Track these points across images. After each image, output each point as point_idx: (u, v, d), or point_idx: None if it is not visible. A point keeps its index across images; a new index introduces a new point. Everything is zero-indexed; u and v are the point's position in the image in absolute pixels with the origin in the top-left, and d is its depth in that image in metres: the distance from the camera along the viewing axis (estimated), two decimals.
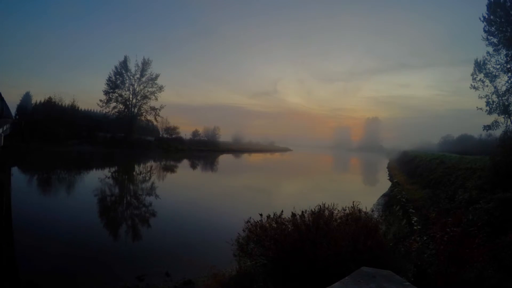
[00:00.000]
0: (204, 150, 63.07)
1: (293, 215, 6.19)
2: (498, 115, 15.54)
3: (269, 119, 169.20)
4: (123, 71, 54.09)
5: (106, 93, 53.43)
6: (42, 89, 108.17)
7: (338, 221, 5.88)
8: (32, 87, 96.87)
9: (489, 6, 15.12)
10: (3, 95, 22.25)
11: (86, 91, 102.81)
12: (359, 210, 6.15)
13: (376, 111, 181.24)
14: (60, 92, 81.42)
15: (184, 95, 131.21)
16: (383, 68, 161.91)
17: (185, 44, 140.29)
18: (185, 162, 45.00)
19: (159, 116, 56.87)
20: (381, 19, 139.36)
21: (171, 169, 37.31)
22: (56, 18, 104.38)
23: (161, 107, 55.96)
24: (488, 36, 15.33)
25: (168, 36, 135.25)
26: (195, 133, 70.24)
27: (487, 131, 17.29)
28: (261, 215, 6.30)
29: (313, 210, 6.11)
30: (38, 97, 52.46)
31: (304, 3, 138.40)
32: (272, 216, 6.23)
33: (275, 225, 5.96)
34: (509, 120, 15.15)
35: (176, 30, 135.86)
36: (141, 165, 38.52)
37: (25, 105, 49.83)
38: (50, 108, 48.39)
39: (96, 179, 24.09)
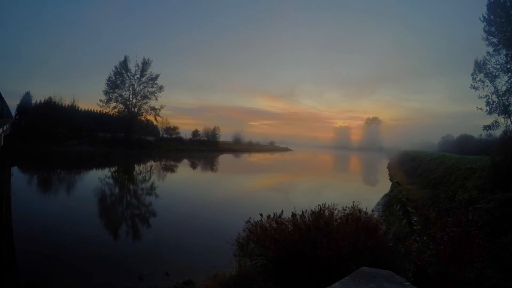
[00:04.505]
0: (204, 150, 63.11)
1: (293, 215, 6.19)
2: (498, 115, 15.53)
3: (278, 119, 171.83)
4: (123, 71, 54.06)
5: (106, 93, 53.49)
6: (42, 89, 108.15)
7: (338, 221, 5.88)
8: (32, 87, 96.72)
9: (489, 6, 15.10)
10: (3, 95, 22.32)
11: (86, 91, 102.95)
12: (359, 210, 6.15)
13: (384, 113, 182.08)
14: (60, 92, 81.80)
15: (202, 96, 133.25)
16: (397, 74, 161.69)
17: (208, 46, 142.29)
18: (185, 162, 45.02)
19: (159, 116, 56.97)
20: (401, 30, 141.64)
21: (171, 169, 37.32)
22: (57, 18, 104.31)
23: (161, 107, 56.06)
24: (488, 36, 15.31)
25: (191, 38, 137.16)
26: (195, 133, 70.27)
27: (487, 131, 17.29)
28: (261, 215, 6.30)
29: (313, 210, 6.12)
30: (38, 97, 52.48)
31: (327, 12, 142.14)
32: (272, 216, 6.24)
33: (275, 225, 5.96)
34: (509, 120, 15.14)
35: (198, 33, 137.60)
36: (141, 165, 38.52)
37: (25, 105, 49.76)
38: (50, 108, 48.30)
39: (96, 179, 24.08)
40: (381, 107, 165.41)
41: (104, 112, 55.02)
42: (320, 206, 6.21)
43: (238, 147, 79.83)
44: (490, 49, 15.49)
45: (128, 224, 13.43)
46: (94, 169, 31.47)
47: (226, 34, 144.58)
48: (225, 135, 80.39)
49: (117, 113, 54.63)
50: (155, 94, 55.30)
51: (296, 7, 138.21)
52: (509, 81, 15.25)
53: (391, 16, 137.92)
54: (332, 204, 6.25)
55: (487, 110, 15.75)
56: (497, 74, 15.49)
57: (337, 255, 4.79)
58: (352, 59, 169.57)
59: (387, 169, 42.40)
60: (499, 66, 15.37)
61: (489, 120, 16.09)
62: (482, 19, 15.41)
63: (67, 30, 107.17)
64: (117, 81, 53.96)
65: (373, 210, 12.53)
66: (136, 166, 36.88)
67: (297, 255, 5.07)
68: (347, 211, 6.14)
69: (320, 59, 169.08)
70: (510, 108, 15.09)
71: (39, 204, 15.09)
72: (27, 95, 52.00)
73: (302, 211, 6.12)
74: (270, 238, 5.65)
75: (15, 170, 23.93)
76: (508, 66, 14.97)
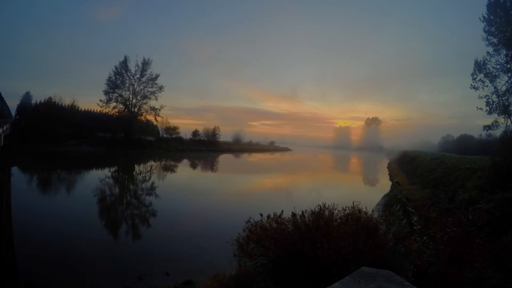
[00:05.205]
0: (204, 150, 63.12)
1: (293, 215, 6.20)
2: (498, 115, 15.53)
3: (278, 119, 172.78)
4: (123, 71, 54.01)
5: (106, 93, 53.42)
6: (42, 89, 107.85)
7: (338, 221, 5.88)
8: (32, 87, 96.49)
9: (489, 6, 15.11)
10: (3, 95, 22.33)
11: (86, 91, 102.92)
12: (359, 210, 6.15)
13: (384, 113, 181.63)
14: (60, 92, 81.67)
15: (202, 96, 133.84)
16: (398, 74, 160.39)
17: (208, 46, 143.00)
18: (185, 162, 45.01)
19: (159, 116, 56.92)
20: (402, 31, 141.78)
21: (171, 169, 37.30)
22: (57, 18, 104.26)
23: (161, 107, 56.01)
24: (488, 36, 15.31)
25: (191, 37, 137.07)
26: (195, 133, 70.27)
27: (487, 131, 17.29)
28: (261, 215, 6.31)
29: (313, 210, 6.12)
30: (38, 97, 52.47)
31: (328, 11, 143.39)
32: (272, 216, 6.24)
33: (275, 225, 5.97)
34: (509, 120, 15.14)
35: (198, 33, 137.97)
36: (141, 165, 38.52)
37: (25, 105, 49.78)
38: (50, 108, 48.28)
39: (96, 179, 24.07)
40: (382, 107, 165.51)
41: (104, 112, 55.18)
42: (320, 206, 6.21)
43: (238, 147, 79.76)
44: (490, 49, 15.50)
45: (128, 224, 13.43)
46: (94, 169, 31.45)
47: (227, 34, 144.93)
48: (225, 135, 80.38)
49: (117, 113, 54.61)
50: (155, 94, 55.32)
51: (296, 5, 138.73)
52: (509, 81, 15.26)
53: (392, 17, 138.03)
54: (332, 204, 6.26)
55: (487, 110, 15.75)
56: (497, 74, 15.49)
57: (337, 255, 4.78)
58: (354, 59, 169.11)
59: (387, 169, 42.40)
60: (499, 66, 15.37)
61: (489, 120, 16.11)
62: (482, 19, 15.42)
63: (67, 30, 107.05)
64: (117, 81, 53.93)
65: (373, 210, 12.51)
66: (136, 166, 36.87)
67: (297, 255, 5.07)
68: (347, 211, 6.15)
69: (322, 59, 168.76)
70: (510, 108, 15.09)
71: (39, 204, 15.07)
72: (27, 95, 52.08)
73: (302, 211, 6.13)
74: (270, 238, 5.65)
75: (15, 170, 23.92)
76: (508, 66, 14.96)
